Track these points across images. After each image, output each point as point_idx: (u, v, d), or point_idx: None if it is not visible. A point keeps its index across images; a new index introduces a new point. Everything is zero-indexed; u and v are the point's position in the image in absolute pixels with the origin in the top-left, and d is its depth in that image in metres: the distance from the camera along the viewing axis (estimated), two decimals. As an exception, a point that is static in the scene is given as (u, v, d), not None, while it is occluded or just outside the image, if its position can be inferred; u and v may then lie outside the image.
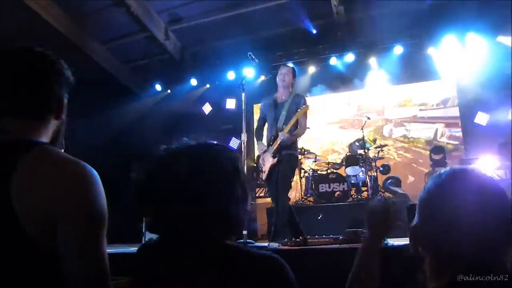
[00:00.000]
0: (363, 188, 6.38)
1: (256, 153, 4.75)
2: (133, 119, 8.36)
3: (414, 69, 7.77)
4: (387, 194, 6.31)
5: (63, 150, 1.19)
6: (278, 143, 4.20)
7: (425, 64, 7.66)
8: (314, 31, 7.66)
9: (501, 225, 0.95)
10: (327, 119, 8.39)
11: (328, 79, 8.26)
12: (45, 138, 1.10)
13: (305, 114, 4.31)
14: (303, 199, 6.56)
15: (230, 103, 8.42)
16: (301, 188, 6.77)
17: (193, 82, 8.76)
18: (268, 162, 4.34)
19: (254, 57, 4.15)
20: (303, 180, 6.78)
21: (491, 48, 7.15)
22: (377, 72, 8.08)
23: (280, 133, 4.19)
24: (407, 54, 7.67)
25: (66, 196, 0.93)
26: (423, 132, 7.93)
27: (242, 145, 3.97)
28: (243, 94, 4.01)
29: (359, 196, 6.22)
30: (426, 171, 6.95)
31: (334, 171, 6.52)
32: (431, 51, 7.58)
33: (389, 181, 6.66)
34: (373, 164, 6.54)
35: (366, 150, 6.41)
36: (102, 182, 1.02)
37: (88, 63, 7.68)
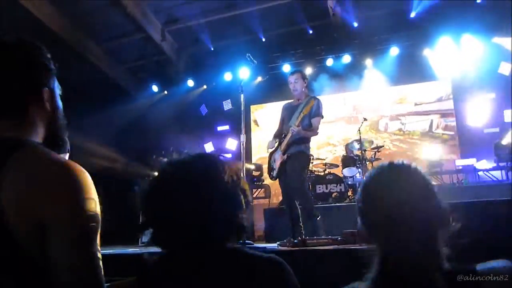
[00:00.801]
0: (360, 189, 6.38)
1: (265, 151, 4.78)
2: (129, 120, 8.34)
3: (410, 70, 7.80)
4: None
5: (68, 148, 1.15)
6: (289, 137, 4.21)
7: (421, 65, 7.70)
8: (311, 32, 7.67)
9: (432, 219, 0.97)
10: (323, 119, 8.39)
11: (325, 80, 8.28)
12: (35, 134, 1.03)
13: (317, 115, 4.30)
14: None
15: (227, 104, 8.42)
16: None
17: (190, 83, 8.75)
18: (278, 159, 4.31)
19: (252, 59, 4.14)
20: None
21: (486, 49, 7.21)
22: (373, 73, 8.11)
23: (290, 128, 4.18)
24: (403, 55, 7.71)
25: (55, 199, 0.89)
26: (419, 124, 7.99)
27: (241, 146, 3.96)
28: (242, 96, 4.00)
29: (357, 205, 6.22)
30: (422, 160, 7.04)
31: (331, 172, 6.53)
32: (426, 52, 7.63)
33: (386, 181, 6.66)
34: (370, 165, 6.56)
35: (363, 151, 6.43)
36: (98, 183, 0.99)
37: (84, 64, 7.65)
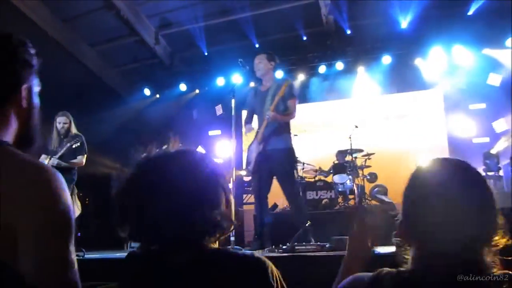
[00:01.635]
0: (350, 196, 6.41)
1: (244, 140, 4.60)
2: (121, 124, 8.29)
3: (401, 79, 7.89)
4: (373, 202, 6.36)
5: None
6: (264, 125, 4.02)
7: (412, 74, 7.78)
8: (305, 39, 7.72)
9: (482, 217, 0.93)
10: (314, 126, 8.43)
11: (317, 87, 8.32)
12: (7, 133, 0.98)
13: (292, 97, 4.07)
14: (290, 206, 6.56)
15: (219, 110, 8.41)
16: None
17: (182, 87, 8.74)
18: (254, 151, 4.10)
19: (245, 64, 4.16)
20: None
21: (476, 60, 7.31)
22: (366, 81, 8.17)
23: (265, 115, 3.99)
24: (395, 64, 7.78)
25: (27, 202, 0.85)
26: (409, 132, 8.02)
27: (232, 150, 3.96)
28: (233, 101, 4.01)
29: (346, 204, 6.25)
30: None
31: (322, 178, 6.55)
32: (418, 61, 7.71)
33: (376, 189, 6.70)
34: (361, 172, 6.59)
35: (353, 158, 6.46)
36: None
37: (77, 66, 7.61)
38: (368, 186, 6.76)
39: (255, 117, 4.30)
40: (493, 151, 6.77)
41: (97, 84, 8.19)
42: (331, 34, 7.72)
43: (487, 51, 7.24)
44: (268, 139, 4.04)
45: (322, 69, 8.07)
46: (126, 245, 5.02)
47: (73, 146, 4.61)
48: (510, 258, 0.98)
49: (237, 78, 7.91)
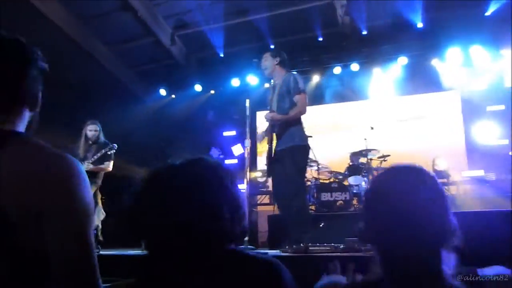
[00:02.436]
0: (365, 198, 6.35)
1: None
2: (137, 124, 8.38)
3: (418, 80, 7.78)
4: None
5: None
6: (268, 127, 3.89)
7: (429, 75, 7.69)
8: (320, 40, 7.69)
9: (436, 220, 0.96)
10: (330, 128, 8.39)
11: (332, 88, 8.28)
12: (22, 127, 1.05)
13: (298, 91, 3.78)
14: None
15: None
16: (302, 196, 6.75)
17: (198, 88, 8.79)
18: (268, 153, 3.92)
19: (259, 64, 4.12)
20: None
21: (494, 61, 7.19)
22: (381, 82, 8.10)
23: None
24: (411, 65, 7.70)
25: (52, 189, 0.91)
26: (427, 133, 7.92)
27: (246, 151, 3.96)
28: (247, 101, 4.00)
29: (360, 206, 6.20)
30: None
31: (337, 180, 6.51)
32: (435, 62, 7.61)
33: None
34: (376, 173, 6.52)
35: (369, 160, 6.40)
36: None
37: (94, 66, 7.73)
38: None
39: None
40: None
41: (113, 84, 8.30)
42: (347, 35, 7.68)
43: (505, 52, 7.11)
44: (277, 140, 3.88)
45: (337, 70, 8.02)
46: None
47: (108, 153, 4.94)
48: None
49: (252, 79, 7.92)
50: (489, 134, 7.36)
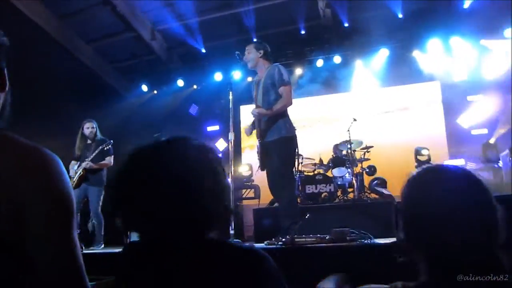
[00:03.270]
0: (349, 189, 6.41)
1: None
2: (118, 120, 8.27)
3: (399, 72, 7.86)
4: (373, 195, 6.36)
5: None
6: (255, 121, 3.89)
7: (410, 66, 7.77)
8: (303, 33, 7.69)
9: (485, 219, 0.94)
10: (313, 120, 8.43)
11: (315, 81, 8.30)
12: None
13: (283, 83, 3.77)
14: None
15: (221, 144, 8.49)
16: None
17: (180, 83, 8.71)
18: (258, 147, 3.93)
19: (242, 57, 4.09)
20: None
21: (474, 52, 7.30)
22: (363, 74, 8.16)
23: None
24: (393, 57, 7.77)
25: (31, 185, 0.86)
26: (408, 124, 8.03)
27: (230, 144, 3.94)
28: (230, 93, 3.97)
29: (345, 197, 6.25)
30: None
31: (321, 172, 6.54)
32: (416, 54, 7.70)
33: (375, 182, 6.71)
34: (360, 165, 6.58)
35: (352, 151, 6.45)
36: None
37: (72, 63, 7.58)
38: (367, 179, 6.75)
39: None
40: (492, 140, 6.78)
41: (94, 80, 8.16)
42: (329, 28, 7.69)
43: (485, 42, 7.22)
44: (264, 132, 3.87)
45: (319, 62, 8.05)
46: (126, 241, 5.04)
47: (105, 149, 5.11)
48: None
49: (235, 73, 7.89)
50: (469, 123, 7.49)
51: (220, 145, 8.58)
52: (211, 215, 0.99)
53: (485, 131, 7.24)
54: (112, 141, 5.24)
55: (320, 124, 8.45)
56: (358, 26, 7.34)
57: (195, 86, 8.89)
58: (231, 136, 3.89)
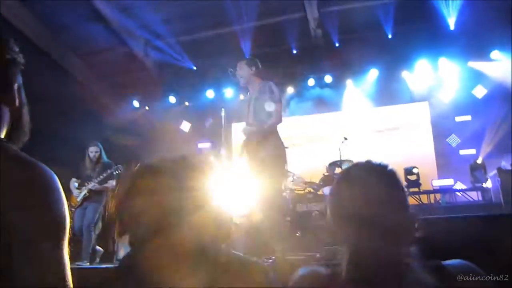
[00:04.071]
0: (340, 208, 6.39)
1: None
2: (110, 136, 8.21)
3: (389, 92, 7.98)
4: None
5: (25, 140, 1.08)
6: (246, 139, 3.83)
7: (400, 87, 7.90)
8: (294, 52, 7.78)
9: (400, 216, 0.98)
10: (304, 139, 8.47)
11: (306, 100, 8.37)
12: (1, 131, 0.98)
13: (273, 101, 3.73)
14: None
15: (208, 122, 8.41)
16: (278, 207, 6.74)
17: (172, 99, 8.72)
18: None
19: (235, 74, 4.05)
20: (281, 199, 6.75)
21: (462, 73, 7.46)
22: (354, 93, 8.26)
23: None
24: (382, 77, 7.89)
25: (23, 202, 0.84)
26: (398, 144, 8.12)
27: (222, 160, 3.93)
28: (223, 110, 3.97)
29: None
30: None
31: (312, 191, 6.53)
32: (405, 74, 7.83)
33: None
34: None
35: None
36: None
37: (65, 78, 7.56)
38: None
39: None
40: (479, 160, 6.87)
41: (86, 96, 8.12)
42: (320, 47, 7.80)
43: (473, 64, 7.38)
44: (254, 150, 3.81)
45: (311, 82, 8.13)
46: (114, 257, 5.01)
47: (114, 173, 5.24)
48: None
49: (227, 90, 7.93)
50: (457, 144, 7.59)
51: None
52: (216, 226, 0.99)
53: (473, 151, 7.33)
54: (120, 166, 5.35)
55: (311, 143, 8.49)
56: (348, 46, 7.46)
57: (186, 103, 8.90)
58: (223, 151, 3.88)
